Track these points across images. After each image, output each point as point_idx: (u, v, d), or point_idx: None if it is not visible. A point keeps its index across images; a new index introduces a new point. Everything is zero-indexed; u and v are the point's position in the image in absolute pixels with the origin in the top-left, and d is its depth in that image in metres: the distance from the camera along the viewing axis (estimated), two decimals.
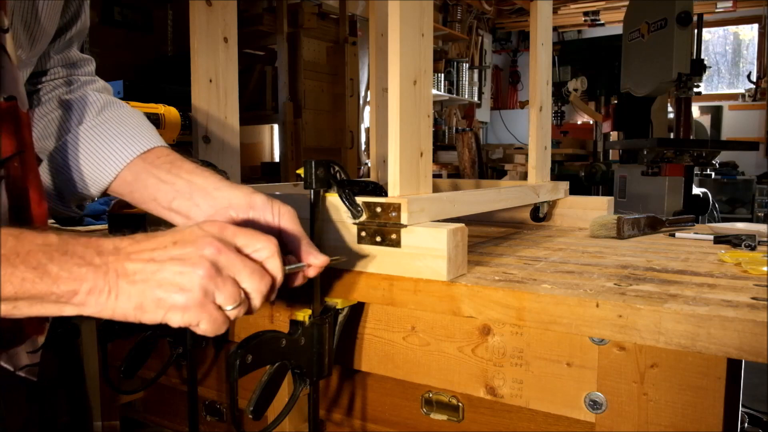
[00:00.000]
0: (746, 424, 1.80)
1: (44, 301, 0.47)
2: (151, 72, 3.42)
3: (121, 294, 0.49)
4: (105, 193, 0.75)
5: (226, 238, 0.53)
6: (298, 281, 0.65)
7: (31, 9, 0.65)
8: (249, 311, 0.55)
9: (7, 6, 0.59)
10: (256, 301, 0.54)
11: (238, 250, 0.53)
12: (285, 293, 0.62)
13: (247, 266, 0.53)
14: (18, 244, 0.46)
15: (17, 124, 0.59)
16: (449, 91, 5.61)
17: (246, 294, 0.53)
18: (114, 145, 0.72)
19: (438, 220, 0.80)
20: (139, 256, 0.50)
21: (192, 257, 0.50)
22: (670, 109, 3.19)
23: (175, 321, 0.50)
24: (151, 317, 0.50)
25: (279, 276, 0.56)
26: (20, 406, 0.66)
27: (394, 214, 0.74)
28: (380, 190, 0.79)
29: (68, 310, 0.48)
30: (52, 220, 1.37)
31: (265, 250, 0.55)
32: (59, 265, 0.46)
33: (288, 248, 0.64)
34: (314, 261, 0.64)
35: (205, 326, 0.51)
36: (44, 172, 0.74)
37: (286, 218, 0.65)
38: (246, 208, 0.66)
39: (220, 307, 0.52)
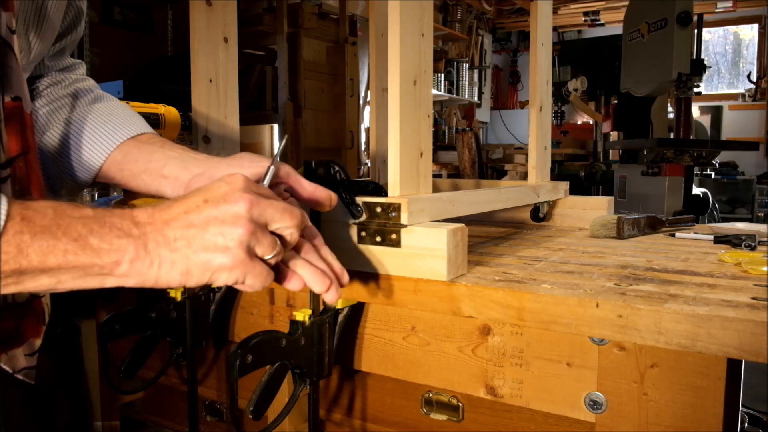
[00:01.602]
0: (746, 424, 1.80)
1: (87, 273, 0.47)
2: (151, 72, 3.41)
3: (164, 263, 0.49)
4: (95, 182, 0.76)
5: (253, 188, 0.52)
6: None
7: (35, 13, 0.65)
8: (287, 247, 0.56)
9: (15, 7, 0.59)
10: (294, 236, 0.55)
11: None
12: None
13: (278, 208, 0.53)
14: (57, 216, 0.45)
15: (22, 125, 0.60)
16: (449, 91, 5.61)
17: (280, 235, 0.54)
18: (105, 129, 0.74)
19: (438, 220, 0.80)
20: (176, 221, 0.49)
21: (228, 216, 0.50)
22: (670, 109, 3.19)
23: (222, 280, 0.51)
24: (197, 281, 0.51)
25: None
26: (19, 407, 0.66)
27: (394, 214, 0.74)
28: (380, 190, 0.79)
29: (110, 282, 0.48)
30: None
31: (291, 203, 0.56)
32: (99, 237, 0.46)
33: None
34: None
35: (251, 281, 0.52)
36: None
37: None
38: (236, 163, 0.67)
39: (262, 259, 0.53)
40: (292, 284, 0.57)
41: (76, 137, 0.74)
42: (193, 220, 0.49)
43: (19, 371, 0.63)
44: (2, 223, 0.42)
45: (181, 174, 0.69)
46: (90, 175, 0.75)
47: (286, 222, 0.53)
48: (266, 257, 0.53)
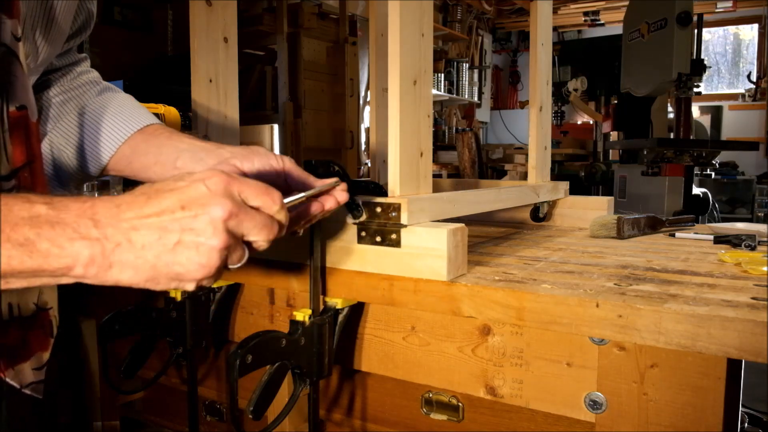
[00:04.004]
0: (746, 424, 1.80)
1: (37, 275, 0.44)
2: (151, 72, 3.41)
3: (127, 268, 0.46)
4: (102, 174, 0.77)
5: (233, 194, 0.49)
6: (316, 208, 0.63)
7: (43, 17, 0.65)
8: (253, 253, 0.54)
9: (21, 13, 0.59)
10: (262, 247, 0.53)
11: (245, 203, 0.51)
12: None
13: (257, 223, 0.50)
14: (2, 219, 0.42)
15: (27, 134, 0.59)
16: (449, 91, 5.61)
17: (250, 243, 0.52)
18: (113, 122, 0.75)
19: (438, 220, 0.80)
20: (146, 222, 0.46)
21: (206, 228, 0.47)
22: (670, 109, 3.19)
23: (188, 288, 0.49)
24: (163, 288, 0.48)
25: (285, 223, 0.54)
26: (24, 409, 0.65)
27: (394, 214, 0.74)
28: (380, 190, 0.79)
29: (65, 280, 0.46)
30: None
31: (275, 206, 0.52)
32: (49, 240, 0.43)
33: (297, 189, 0.64)
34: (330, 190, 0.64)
35: (209, 283, 0.50)
36: (44, 154, 0.76)
37: (288, 162, 0.66)
38: (250, 155, 0.65)
39: (226, 265, 0.51)
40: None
41: (86, 129, 0.75)
42: (167, 227, 0.46)
43: (26, 386, 0.61)
44: None
45: (195, 167, 0.68)
46: (98, 167, 0.76)
47: (262, 237, 0.51)
48: (230, 266, 0.51)
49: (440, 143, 5.58)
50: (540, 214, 1.28)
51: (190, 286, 0.49)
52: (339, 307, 0.78)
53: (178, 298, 0.88)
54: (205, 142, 0.72)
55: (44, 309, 0.63)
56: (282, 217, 0.53)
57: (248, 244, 0.52)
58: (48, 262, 0.43)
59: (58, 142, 0.75)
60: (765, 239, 1.03)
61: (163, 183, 0.49)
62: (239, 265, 0.51)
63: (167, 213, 0.46)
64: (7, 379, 0.59)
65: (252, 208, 0.50)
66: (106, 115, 0.76)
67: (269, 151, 0.67)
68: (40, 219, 0.43)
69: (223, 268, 0.50)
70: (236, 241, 0.49)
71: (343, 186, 0.66)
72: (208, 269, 0.48)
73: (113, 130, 0.75)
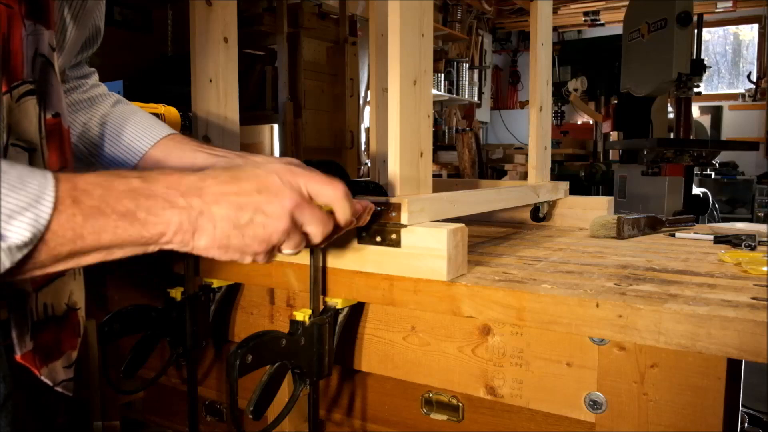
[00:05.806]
0: (746, 424, 1.80)
1: (135, 244, 0.49)
2: (151, 72, 3.41)
3: (205, 235, 0.52)
4: None
5: (300, 188, 0.57)
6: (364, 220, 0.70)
7: (60, 28, 0.66)
8: (309, 246, 0.61)
9: (56, 24, 0.60)
10: (317, 240, 0.60)
11: (310, 198, 0.58)
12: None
13: (315, 216, 0.57)
14: (106, 193, 0.47)
15: (61, 140, 0.61)
16: (449, 91, 5.61)
17: (307, 235, 0.58)
18: (137, 129, 0.77)
19: (438, 220, 0.80)
20: (226, 199, 0.52)
21: (276, 212, 0.54)
22: (670, 109, 3.19)
23: (246, 261, 0.56)
24: (229, 258, 0.55)
25: (344, 219, 0.61)
26: (24, 408, 0.66)
27: (394, 214, 0.74)
28: (380, 189, 0.79)
29: (153, 248, 0.51)
30: None
31: (333, 197, 0.60)
32: (146, 210, 0.48)
33: None
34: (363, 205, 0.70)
35: (263, 259, 0.57)
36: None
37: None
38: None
39: (279, 248, 0.58)
40: None
41: (110, 136, 0.77)
42: (243, 205, 0.53)
43: (58, 384, 0.63)
44: (50, 209, 0.43)
45: None
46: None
47: (318, 229, 0.58)
48: (285, 251, 0.58)
49: (440, 143, 5.58)
50: (540, 214, 1.28)
51: (248, 259, 0.56)
52: (339, 307, 0.78)
53: (178, 298, 0.88)
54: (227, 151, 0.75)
55: (74, 309, 0.65)
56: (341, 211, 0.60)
57: (305, 236, 0.59)
58: (147, 229, 0.48)
59: (77, 153, 0.77)
60: (765, 239, 1.03)
61: (243, 169, 0.56)
62: (294, 251, 0.58)
63: (245, 195, 0.53)
64: (42, 377, 0.61)
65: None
66: (128, 124, 0.78)
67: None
68: (136, 192, 0.48)
69: (275, 251, 0.57)
70: (296, 228, 0.57)
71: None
72: (266, 245, 0.55)
73: (139, 136, 0.77)
